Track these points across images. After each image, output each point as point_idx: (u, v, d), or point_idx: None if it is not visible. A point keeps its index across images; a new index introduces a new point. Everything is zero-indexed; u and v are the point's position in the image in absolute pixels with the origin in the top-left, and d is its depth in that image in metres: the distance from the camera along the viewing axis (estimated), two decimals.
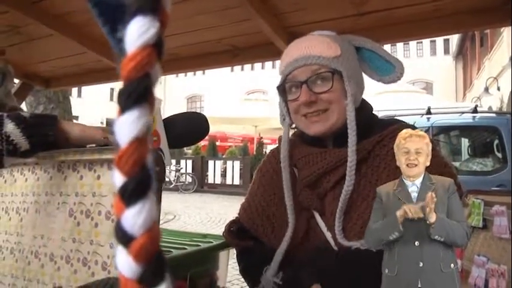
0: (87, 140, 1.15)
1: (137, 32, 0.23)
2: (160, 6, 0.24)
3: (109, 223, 0.98)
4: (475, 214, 1.14)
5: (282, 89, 1.28)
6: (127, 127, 0.23)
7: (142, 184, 0.23)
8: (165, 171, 0.89)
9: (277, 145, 1.38)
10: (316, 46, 1.20)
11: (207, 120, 1.39)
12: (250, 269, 1.33)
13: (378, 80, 1.27)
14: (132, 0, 0.24)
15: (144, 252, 0.23)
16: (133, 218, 0.23)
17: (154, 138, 1.08)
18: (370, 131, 1.22)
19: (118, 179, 0.23)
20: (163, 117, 1.14)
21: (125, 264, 0.23)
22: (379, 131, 1.21)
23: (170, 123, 1.17)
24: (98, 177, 1.04)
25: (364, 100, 1.30)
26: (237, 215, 1.46)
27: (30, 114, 1.13)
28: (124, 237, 0.23)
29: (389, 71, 1.23)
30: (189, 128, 1.32)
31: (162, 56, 0.24)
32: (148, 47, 0.23)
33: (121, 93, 0.23)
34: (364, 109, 1.27)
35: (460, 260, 1.15)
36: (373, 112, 1.34)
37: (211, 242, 1.75)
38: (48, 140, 1.10)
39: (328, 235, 1.19)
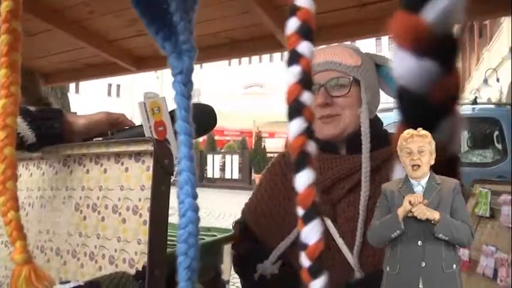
0: (94, 127, 1.16)
1: None
2: None
3: (116, 217, 0.98)
4: (482, 203, 1.14)
5: None
6: None
7: None
8: (173, 163, 0.88)
9: (286, 148, 1.38)
10: (338, 54, 1.27)
11: (214, 111, 1.39)
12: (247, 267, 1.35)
13: (394, 97, 1.30)
14: None
15: None
16: None
17: (160, 128, 1.08)
18: (381, 142, 1.22)
19: None
20: (169, 109, 1.13)
21: None
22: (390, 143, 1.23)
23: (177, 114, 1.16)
24: (105, 170, 1.03)
25: (376, 115, 1.35)
26: (240, 215, 1.46)
27: (36, 108, 1.13)
28: None
29: None
30: (196, 119, 1.31)
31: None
32: None
33: None
34: (376, 122, 1.31)
35: (468, 249, 1.15)
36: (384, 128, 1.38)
37: (215, 236, 1.75)
38: (55, 132, 1.10)
39: (340, 241, 1.19)
